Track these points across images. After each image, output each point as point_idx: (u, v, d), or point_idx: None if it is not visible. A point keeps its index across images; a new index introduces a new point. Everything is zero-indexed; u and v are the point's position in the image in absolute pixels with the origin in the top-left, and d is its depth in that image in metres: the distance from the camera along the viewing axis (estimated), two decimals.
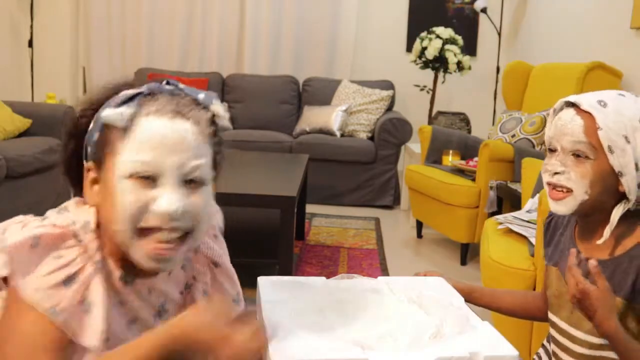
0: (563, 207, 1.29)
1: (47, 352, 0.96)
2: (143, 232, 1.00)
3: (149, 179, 0.99)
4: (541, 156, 3.12)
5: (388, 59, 6.23)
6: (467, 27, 6.17)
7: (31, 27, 5.91)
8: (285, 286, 1.28)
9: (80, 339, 0.98)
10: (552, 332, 1.43)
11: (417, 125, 5.06)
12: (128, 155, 0.99)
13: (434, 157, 4.38)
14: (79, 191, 1.12)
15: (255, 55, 6.24)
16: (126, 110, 1.00)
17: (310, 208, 4.94)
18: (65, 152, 1.12)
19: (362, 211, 5.15)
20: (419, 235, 4.49)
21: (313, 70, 6.22)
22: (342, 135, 5.45)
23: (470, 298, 1.45)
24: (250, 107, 5.78)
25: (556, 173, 1.28)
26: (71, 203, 1.09)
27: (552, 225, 1.48)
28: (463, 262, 3.90)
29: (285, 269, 2.86)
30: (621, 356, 1.22)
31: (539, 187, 2.57)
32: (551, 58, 4.80)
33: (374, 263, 3.77)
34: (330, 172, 5.21)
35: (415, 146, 5.13)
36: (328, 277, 1.35)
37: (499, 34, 5.89)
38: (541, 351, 1.53)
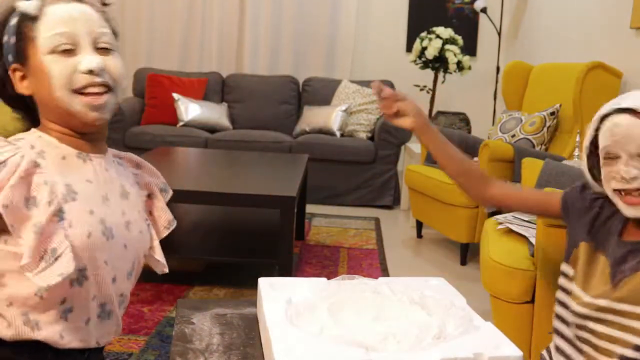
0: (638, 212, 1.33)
1: None
2: (77, 92, 1.19)
3: (69, 52, 1.18)
4: (541, 156, 3.12)
5: (388, 58, 6.24)
6: (467, 27, 6.17)
7: None
8: (286, 287, 1.28)
9: (17, 233, 1.09)
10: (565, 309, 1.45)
11: None
12: (45, 33, 1.17)
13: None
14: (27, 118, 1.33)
15: (255, 55, 6.24)
16: (33, 3, 1.19)
17: (310, 208, 4.95)
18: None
19: (362, 211, 5.16)
20: (419, 235, 4.50)
21: (313, 70, 6.22)
22: (342, 135, 5.45)
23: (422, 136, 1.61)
24: (250, 107, 5.78)
25: (632, 178, 1.31)
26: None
27: (602, 206, 1.48)
28: (463, 262, 3.90)
29: (285, 269, 2.86)
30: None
31: (539, 187, 2.57)
32: (551, 58, 4.81)
33: (374, 263, 3.77)
34: (330, 172, 5.21)
35: (415, 146, 5.13)
36: (328, 277, 1.35)
37: (499, 34, 5.89)
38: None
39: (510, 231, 2.58)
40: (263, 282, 1.29)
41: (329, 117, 5.48)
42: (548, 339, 2.07)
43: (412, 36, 6.04)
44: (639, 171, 1.30)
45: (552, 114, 4.02)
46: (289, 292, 1.25)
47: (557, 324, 1.49)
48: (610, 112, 1.35)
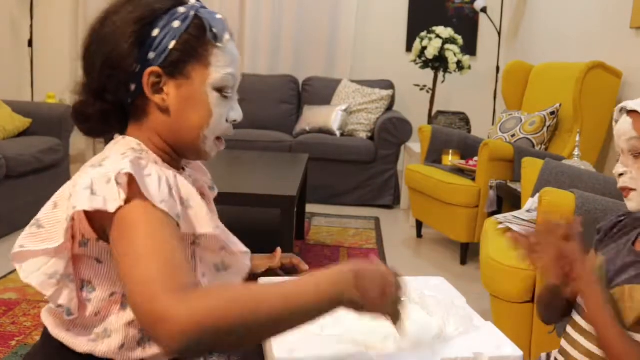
0: (632, 204, 1.32)
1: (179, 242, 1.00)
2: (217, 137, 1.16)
3: (227, 96, 1.14)
4: (541, 156, 3.12)
5: (388, 58, 6.23)
6: (467, 27, 6.17)
7: (31, 26, 5.91)
8: None
9: (197, 230, 1.05)
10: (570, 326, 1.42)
11: (417, 125, 5.06)
12: (220, 68, 1.11)
13: (433, 157, 4.38)
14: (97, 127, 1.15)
15: (255, 55, 6.24)
16: (227, 29, 1.12)
17: (310, 207, 4.94)
18: (101, 76, 1.10)
19: (362, 211, 5.16)
20: (419, 235, 4.50)
21: (313, 70, 6.22)
22: (342, 135, 5.45)
23: None
24: (250, 107, 5.77)
25: (620, 175, 1.32)
26: (112, 145, 1.12)
27: (622, 223, 1.47)
28: (463, 262, 3.91)
29: (285, 269, 2.86)
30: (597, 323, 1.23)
31: (539, 187, 2.57)
32: (551, 58, 4.81)
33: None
34: (330, 171, 5.21)
35: (415, 146, 5.13)
36: None
37: (499, 34, 5.90)
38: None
39: (510, 231, 2.58)
40: (263, 281, 1.29)
41: (328, 117, 5.48)
42: (548, 338, 2.07)
43: (412, 36, 6.04)
44: (626, 169, 1.31)
45: (552, 113, 4.02)
46: None
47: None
48: (617, 114, 1.37)
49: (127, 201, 0.97)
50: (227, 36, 1.11)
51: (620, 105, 1.35)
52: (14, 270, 3.15)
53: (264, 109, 5.81)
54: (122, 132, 1.15)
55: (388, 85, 5.84)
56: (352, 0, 6.15)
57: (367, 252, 3.96)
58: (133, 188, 0.97)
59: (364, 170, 5.26)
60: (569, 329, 1.39)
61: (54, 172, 4.43)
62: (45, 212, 1.05)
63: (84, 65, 1.13)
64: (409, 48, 6.06)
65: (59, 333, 1.07)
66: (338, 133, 5.42)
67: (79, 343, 1.05)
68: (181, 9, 1.09)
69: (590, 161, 3.35)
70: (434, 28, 5.50)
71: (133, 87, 1.09)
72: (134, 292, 0.90)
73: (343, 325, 1.10)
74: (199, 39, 1.09)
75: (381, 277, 0.95)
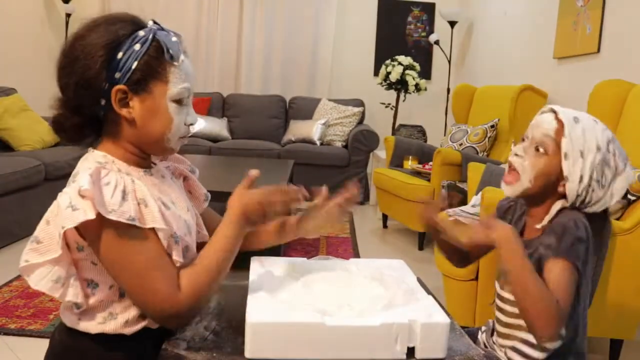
0: (510, 191, 1.30)
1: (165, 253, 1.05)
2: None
3: (182, 104, 1.11)
4: (483, 161, 3.15)
5: (359, 81, 6.24)
6: (424, 56, 6.20)
7: None
8: (272, 264, 1.28)
9: (150, 225, 1.03)
10: (496, 299, 1.41)
11: (383, 136, 5.08)
12: (178, 84, 1.08)
13: (396, 162, 4.40)
14: (75, 135, 1.13)
15: (250, 78, 6.22)
16: (181, 53, 1.09)
17: None
18: (76, 92, 1.08)
19: None
20: (385, 226, 4.51)
21: (297, 91, 6.21)
22: (321, 144, 5.45)
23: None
24: (246, 121, 5.77)
25: (516, 155, 1.28)
26: (82, 161, 1.11)
27: (511, 208, 1.44)
28: (420, 248, 3.92)
29: (274, 254, 2.85)
30: (514, 270, 1.17)
31: (481, 186, 2.59)
32: (491, 81, 4.85)
33: (348, 249, 3.77)
34: (311, 174, 5.21)
35: (382, 153, 5.15)
36: (308, 258, 1.35)
37: (449, 62, 5.93)
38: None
39: (458, 222, 2.59)
40: (254, 259, 1.29)
41: (310, 129, 5.48)
42: (489, 309, 2.08)
43: (378, 63, 6.06)
44: (524, 155, 1.27)
45: (492, 126, 4.06)
46: (273, 267, 1.25)
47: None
48: (544, 111, 1.31)
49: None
50: (182, 56, 1.09)
51: (551, 106, 1.29)
52: None
53: (257, 123, 5.80)
54: (97, 138, 1.14)
55: (359, 103, 5.86)
56: (329, 33, 6.16)
57: (342, 240, 3.96)
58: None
59: (340, 173, 5.26)
60: (497, 301, 1.39)
61: None
62: (40, 229, 1.04)
63: (59, 84, 1.11)
64: (376, 73, 6.08)
65: (72, 322, 1.08)
66: (318, 142, 5.42)
67: (90, 327, 1.06)
68: (141, 33, 1.06)
69: None
70: (397, 57, 5.52)
71: (103, 102, 1.06)
72: (144, 303, 1.03)
73: (312, 296, 1.10)
74: (158, 59, 1.06)
75: (258, 205, 1.12)
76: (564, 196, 1.25)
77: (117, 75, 1.04)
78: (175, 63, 1.08)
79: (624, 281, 2.11)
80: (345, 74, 6.29)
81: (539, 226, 1.28)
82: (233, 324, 1.12)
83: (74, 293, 1.03)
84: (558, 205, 1.26)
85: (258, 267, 1.25)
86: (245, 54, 6.16)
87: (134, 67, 1.04)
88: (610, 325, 2.20)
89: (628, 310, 2.17)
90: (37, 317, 2.48)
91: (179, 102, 1.09)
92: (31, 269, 1.03)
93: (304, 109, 5.88)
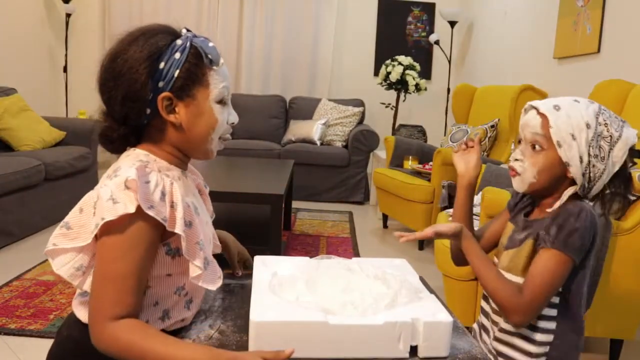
0: (516, 184, 1.33)
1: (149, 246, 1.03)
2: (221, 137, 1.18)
3: (225, 104, 1.14)
4: (484, 161, 3.15)
5: (359, 81, 6.25)
6: (424, 56, 6.20)
7: (66, 55, 5.86)
8: (274, 263, 1.28)
9: (171, 229, 1.03)
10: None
11: (383, 136, 5.10)
12: (218, 84, 1.11)
13: (396, 162, 4.40)
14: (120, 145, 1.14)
15: (250, 79, 6.23)
16: (219, 56, 1.12)
17: (295, 204, 4.94)
18: (123, 106, 1.08)
19: (338, 206, 5.16)
20: (385, 226, 4.51)
21: (297, 91, 6.22)
22: (321, 144, 5.45)
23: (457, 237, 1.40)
24: (246, 121, 5.76)
25: (516, 159, 1.32)
26: (124, 157, 1.12)
27: (523, 200, 1.46)
28: (420, 247, 3.92)
29: (275, 254, 2.85)
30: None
31: (482, 186, 2.59)
32: (491, 81, 4.85)
33: (348, 249, 3.77)
34: (312, 174, 5.21)
35: (382, 153, 5.15)
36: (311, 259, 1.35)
37: (449, 62, 5.94)
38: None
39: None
40: (258, 259, 1.30)
41: (310, 129, 5.48)
42: None
43: (378, 63, 6.07)
44: (523, 157, 1.30)
45: (492, 126, 4.06)
46: (277, 267, 1.25)
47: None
48: (527, 108, 1.34)
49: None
50: (221, 60, 1.13)
51: (531, 103, 1.31)
52: None
53: (258, 123, 5.80)
54: (136, 146, 1.15)
55: (359, 103, 5.86)
56: (329, 33, 6.16)
57: (342, 240, 3.97)
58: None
59: (340, 173, 5.27)
60: (483, 296, 1.42)
61: (84, 175, 4.39)
62: (72, 216, 1.05)
63: (103, 98, 1.11)
64: (376, 73, 6.08)
65: (85, 316, 1.08)
66: (318, 142, 5.42)
67: None
68: (179, 42, 1.09)
69: None
70: (397, 57, 5.53)
71: (149, 111, 1.09)
72: (91, 306, 1.01)
73: (315, 295, 1.10)
74: (197, 65, 1.09)
75: None
76: (572, 182, 1.28)
77: (161, 84, 1.07)
78: (215, 67, 1.11)
79: (624, 281, 2.12)
80: (346, 74, 6.29)
81: (549, 210, 1.30)
82: (237, 323, 1.12)
83: (91, 283, 1.04)
84: (570, 190, 1.28)
85: (261, 266, 1.25)
86: (245, 54, 6.16)
87: (176, 75, 1.07)
88: (610, 325, 2.20)
89: (628, 310, 2.17)
90: (37, 317, 2.48)
91: (221, 102, 1.13)
92: (57, 253, 1.05)
93: (304, 109, 5.88)
